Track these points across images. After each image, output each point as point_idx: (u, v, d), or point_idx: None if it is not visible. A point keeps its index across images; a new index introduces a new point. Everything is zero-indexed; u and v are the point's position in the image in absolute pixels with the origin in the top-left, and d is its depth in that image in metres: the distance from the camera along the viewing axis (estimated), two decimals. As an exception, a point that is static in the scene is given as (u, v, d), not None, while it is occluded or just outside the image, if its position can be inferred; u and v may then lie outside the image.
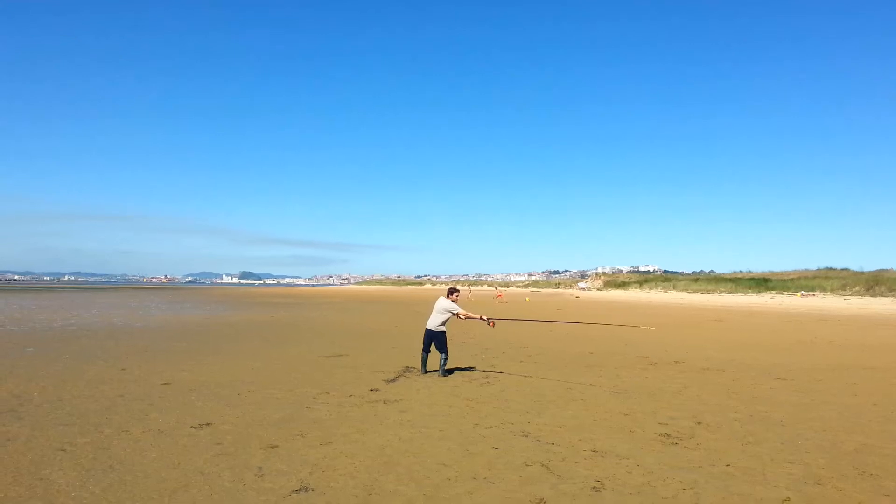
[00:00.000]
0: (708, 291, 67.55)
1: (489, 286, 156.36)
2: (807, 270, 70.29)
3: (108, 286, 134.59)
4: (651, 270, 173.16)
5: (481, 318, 10.91)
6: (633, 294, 78.65)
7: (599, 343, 16.58)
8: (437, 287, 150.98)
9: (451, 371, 10.84)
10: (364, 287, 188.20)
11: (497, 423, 6.96)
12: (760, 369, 11.72)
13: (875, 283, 49.78)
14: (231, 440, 6.11)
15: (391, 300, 60.22)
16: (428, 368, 10.76)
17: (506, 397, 8.62)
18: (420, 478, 5.03)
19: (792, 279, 63.04)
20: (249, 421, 6.96)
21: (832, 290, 52.55)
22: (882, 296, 45.91)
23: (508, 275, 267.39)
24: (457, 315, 10.70)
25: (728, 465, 5.42)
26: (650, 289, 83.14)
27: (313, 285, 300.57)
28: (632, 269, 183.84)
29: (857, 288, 50.61)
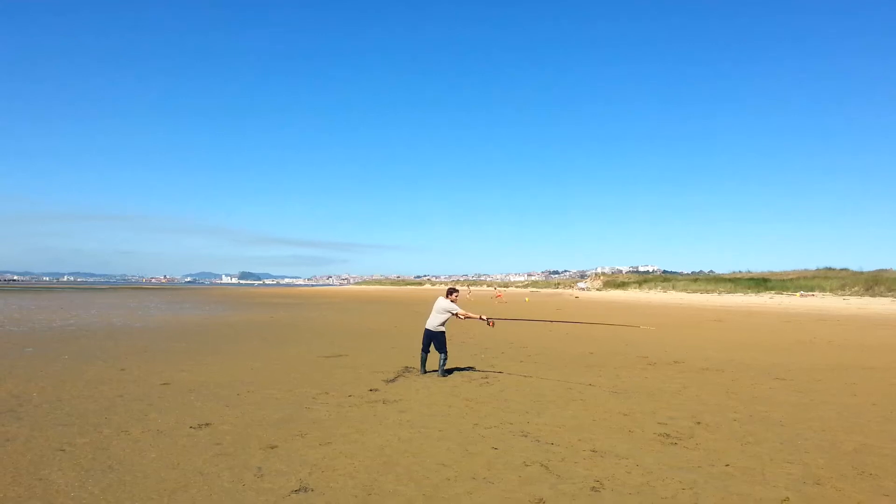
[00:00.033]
0: (707, 291, 67.59)
1: (488, 286, 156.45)
2: (806, 270, 70.35)
3: (108, 286, 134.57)
4: (650, 270, 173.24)
5: (481, 318, 10.91)
6: (633, 294, 78.69)
7: (599, 343, 16.59)
8: (436, 287, 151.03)
9: (450, 371, 10.84)
10: (363, 287, 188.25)
11: (496, 424, 6.96)
12: (760, 369, 11.72)
13: (874, 283, 49.82)
14: (230, 440, 6.11)
15: (390, 300, 60.23)
16: (427, 368, 10.76)
17: (505, 397, 8.62)
18: (419, 478, 5.03)
19: (791, 279, 63.08)
20: (249, 421, 6.95)
21: (831, 290, 52.59)
22: (881, 296, 45.96)
23: (508, 275, 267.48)
24: (456, 315, 10.70)
25: (727, 465, 5.42)
26: (649, 289, 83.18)
27: (313, 285, 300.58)
28: (631, 269, 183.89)
29: (856, 288, 50.65)
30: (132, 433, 6.35)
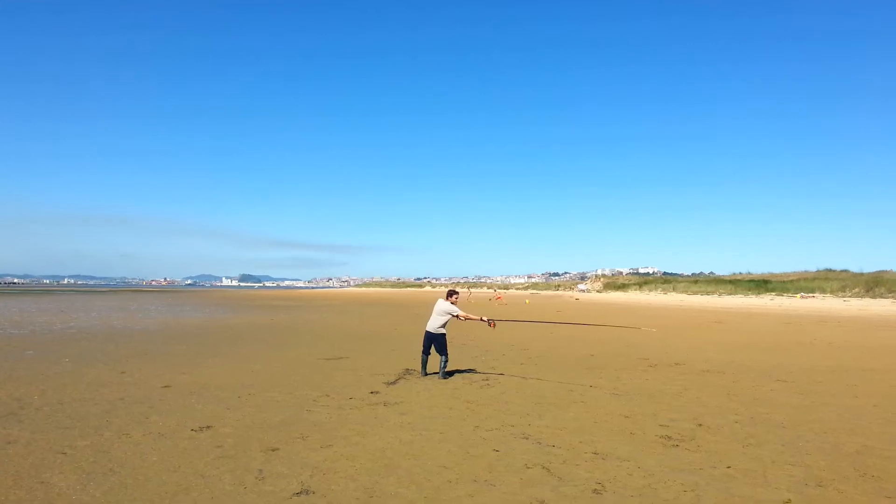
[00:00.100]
0: (707, 293, 67.54)
1: (489, 288, 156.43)
2: (806, 272, 70.24)
3: (108, 289, 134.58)
4: (651, 272, 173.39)
5: (482, 320, 10.91)
6: (633, 296, 78.65)
7: (600, 345, 16.58)
8: (436, 289, 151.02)
9: (451, 373, 10.83)
10: (363, 289, 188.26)
11: (497, 426, 6.96)
12: (760, 371, 11.72)
13: (875, 284, 49.77)
14: (231, 443, 6.10)
15: (391, 302, 60.21)
16: (428, 371, 10.76)
17: (506, 399, 8.61)
18: (421, 480, 5.03)
19: (791, 280, 63.00)
20: (250, 424, 6.95)
21: (832, 292, 52.53)
22: (882, 297, 45.92)
23: (508, 277, 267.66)
24: (457, 317, 10.70)
25: (729, 467, 5.42)
26: (650, 290, 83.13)
27: (313, 288, 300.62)
28: (631, 270, 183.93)
29: (856, 289, 50.61)
30: (133, 436, 6.34)
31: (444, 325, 10.65)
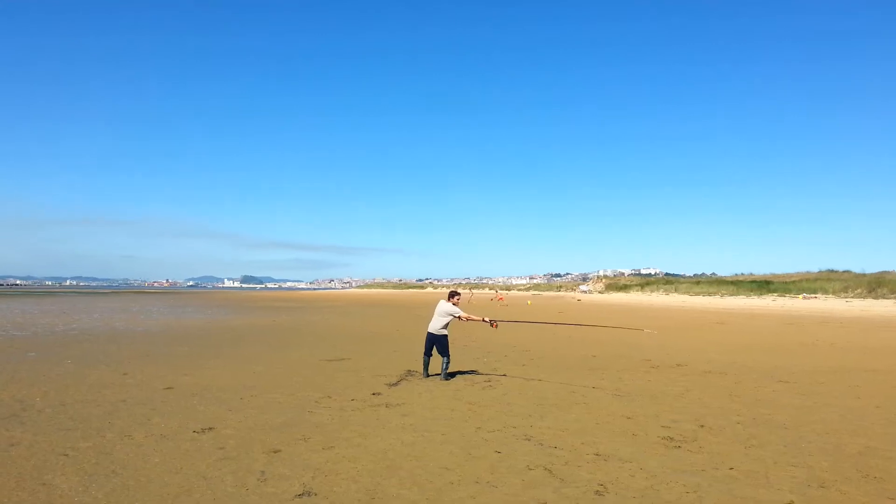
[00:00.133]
0: (709, 294, 67.42)
1: (490, 289, 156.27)
2: (808, 272, 70.09)
3: (110, 291, 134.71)
4: (652, 273, 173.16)
5: (483, 320, 10.90)
6: (635, 297, 78.56)
7: (602, 346, 16.57)
8: (438, 290, 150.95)
9: (453, 375, 10.83)
10: (365, 291, 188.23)
11: (499, 427, 6.95)
12: (762, 372, 11.70)
13: (877, 285, 49.62)
14: (233, 445, 6.11)
15: (392, 304, 60.21)
16: (430, 372, 10.75)
17: (508, 401, 8.61)
18: (422, 482, 5.03)
19: (794, 281, 62.87)
20: (252, 425, 6.96)
21: (834, 293, 52.40)
22: (884, 298, 45.79)
23: (510, 278, 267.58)
24: (458, 318, 10.71)
25: (731, 469, 5.41)
26: (652, 291, 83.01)
27: (315, 289, 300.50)
28: (633, 271, 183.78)
29: (858, 290, 50.48)
30: (135, 437, 6.35)
31: (445, 327, 10.65)
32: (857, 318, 31.44)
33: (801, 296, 54.23)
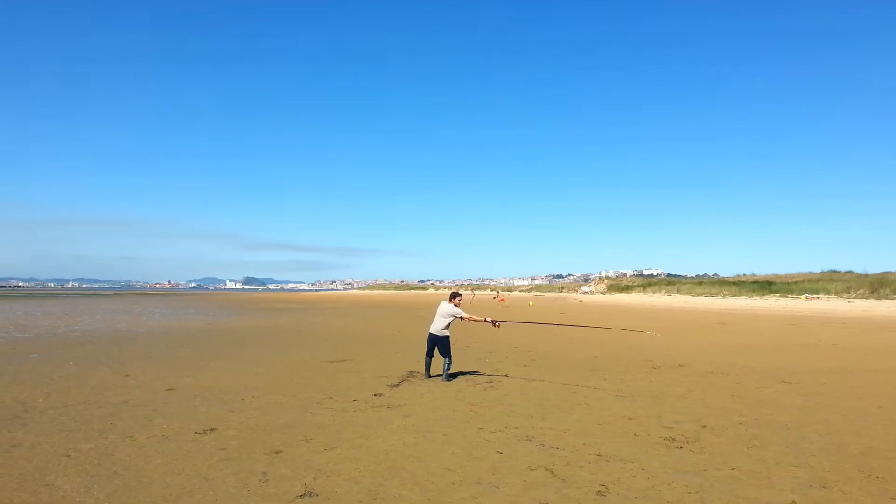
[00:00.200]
0: (711, 295, 67.37)
1: (492, 290, 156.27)
2: (811, 273, 69.96)
3: (112, 292, 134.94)
4: (654, 274, 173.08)
5: (486, 321, 10.90)
6: (637, 298, 78.50)
7: (603, 347, 16.55)
8: (440, 291, 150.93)
9: (454, 375, 10.83)
10: (367, 292, 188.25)
11: (501, 428, 6.95)
12: (764, 372, 11.68)
13: (879, 285, 49.56)
14: (235, 446, 6.11)
15: (394, 305, 60.22)
16: (432, 373, 10.75)
17: (510, 401, 8.61)
18: (424, 482, 5.03)
19: (796, 282, 62.78)
20: (253, 426, 6.96)
21: (836, 293, 52.31)
22: (887, 298, 45.72)
23: (512, 279, 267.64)
24: (460, 318, 10.71)
25: (733, 469, 5.40)
26: (654, 292, 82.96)
27: (316, 290, 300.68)
28: (635, 272, 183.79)
29: (861, 290, 50.41)
30: (137, 439, 6.36)
31: (447, 327, 10.65)
32: (859, 318, 31.38)
33: (803, 296, 54.15)
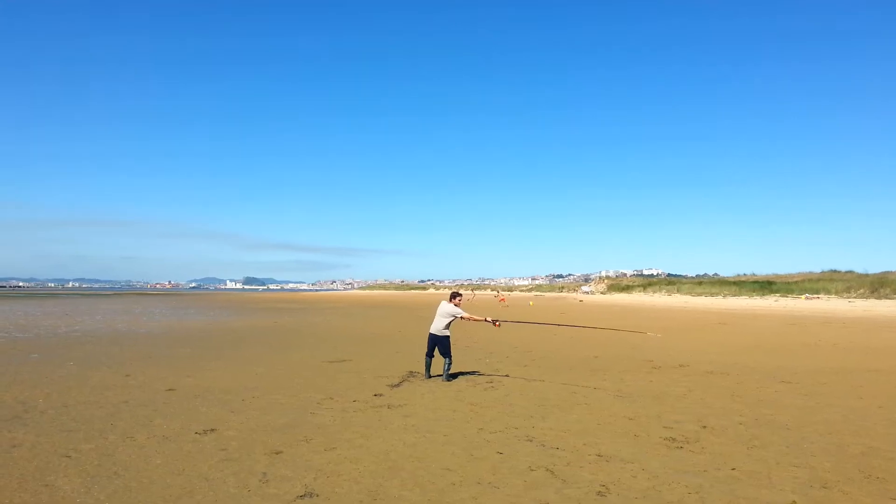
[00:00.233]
0: (712, 294, 67.39)
1: (492, 290, 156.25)
2: (811, 273, 69.95)
3: (112, 292, 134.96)
4: (654, 274, 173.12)
5: (486, 320, 10.90)
6: (637, 297, 78.50)
7: (604, 347, 16.55)
8: (440, 291, 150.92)
9: (455, 375, 10.83)
10: (367, 292, 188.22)
11: (501, 428, 6.95)
12: (765, 372, 11.68)
13: (880, 285, 49.57)
14: (235, 446, 6.11)
15: (394, 305, 60.23)
16: (432, 373, 10.75)
17: (510, 402, 8.61)
18: (424, 483, 5.03)
19: (796, 282, 62.79)
20: (254, 427, 6.96)
21: (836, 293, 52.32)
22: (887, 298, 45.73)
23: (512, 279, 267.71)
24: (461, 318, 10.71)
25: (733, 469, 5.40)
26: (654, 292, 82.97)
27: (316, 290, 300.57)
28: (635, 272, 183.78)
29: (861, 290, 50.42)
30: (137, 439, 6.36)
31: (447, 327, 10.65)
32: (859, 318, 31.38)
33: (803, 296, 54.15)
